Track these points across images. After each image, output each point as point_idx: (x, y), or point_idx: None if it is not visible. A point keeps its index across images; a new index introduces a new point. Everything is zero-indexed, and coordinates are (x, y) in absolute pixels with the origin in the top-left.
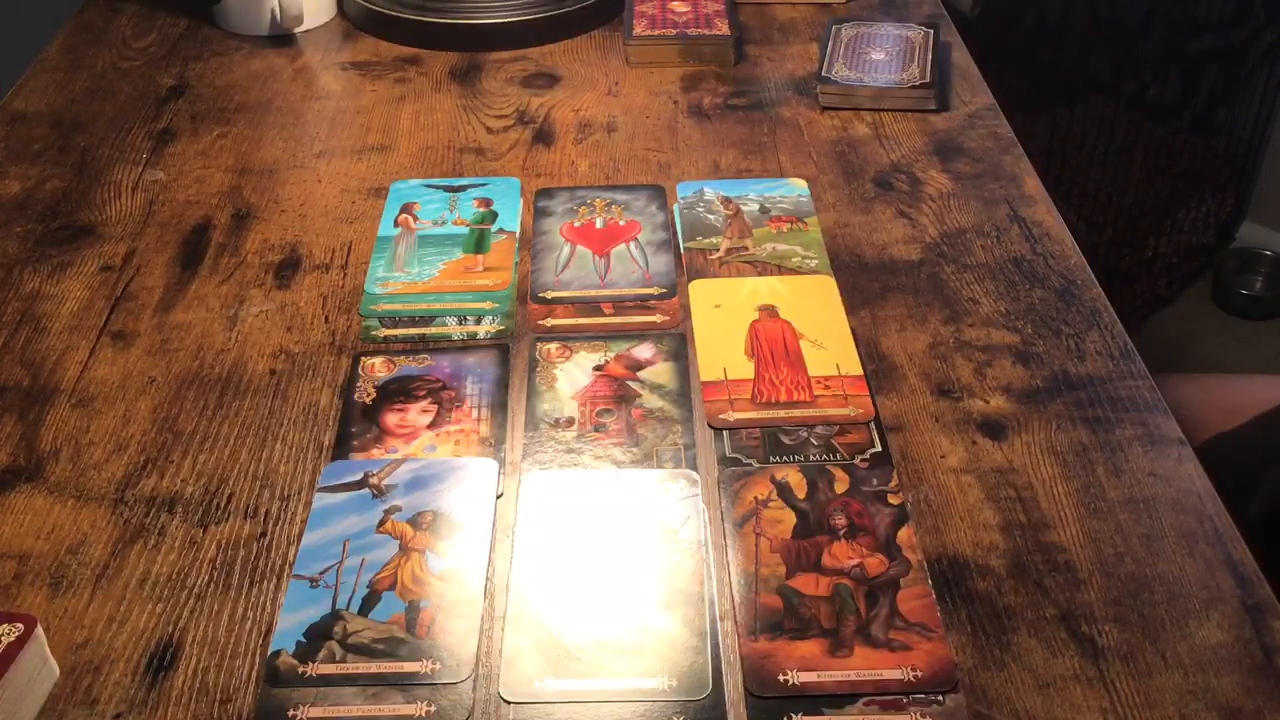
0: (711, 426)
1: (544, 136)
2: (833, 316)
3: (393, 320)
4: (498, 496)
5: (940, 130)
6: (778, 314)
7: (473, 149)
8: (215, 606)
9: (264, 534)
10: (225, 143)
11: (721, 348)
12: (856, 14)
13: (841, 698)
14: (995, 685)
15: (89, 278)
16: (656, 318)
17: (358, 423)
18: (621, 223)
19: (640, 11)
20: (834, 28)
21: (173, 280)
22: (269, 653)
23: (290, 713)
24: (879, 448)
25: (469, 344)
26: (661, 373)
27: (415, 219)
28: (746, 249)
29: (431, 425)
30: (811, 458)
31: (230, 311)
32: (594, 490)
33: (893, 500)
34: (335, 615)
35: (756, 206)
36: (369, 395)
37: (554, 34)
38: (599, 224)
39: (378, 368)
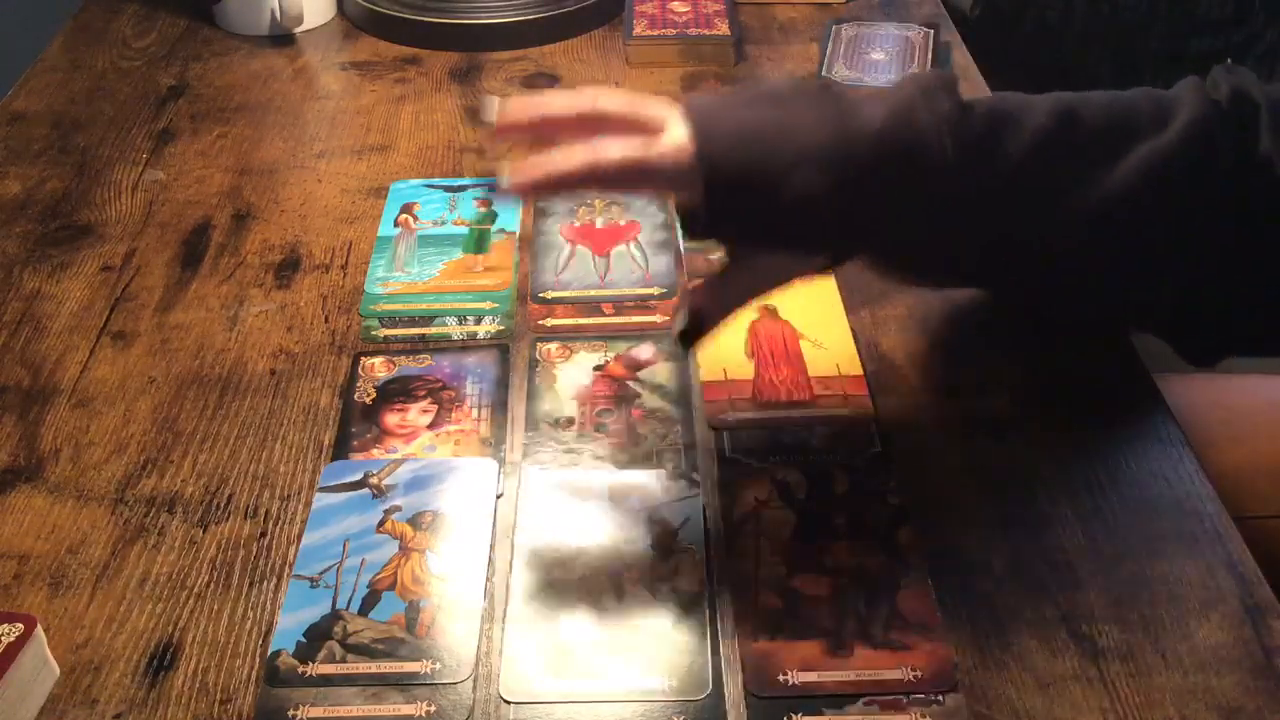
0: (711, 426)
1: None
2: (833, 316)
3: (393, 320)
4: (498, 496)
5: None
6: (778, 314)
7: (473, 149)
8: (215, 606)
9: (264, 534)
10: (225, 143)
11: (721, 348)
12: (856, 14)
13: (841, 698)
14: (995, 685)
15: (89, 278)
16: (656, 318)
17: (358, 423)
18: (621, 223)
19: (640, 11)
20: (834, 28)
21: (173, 280)
22: (269, 653)
23: (290, 713)
24: (879, 448)
25: (469, 344)
26: (661, 373)
27: (415, 219)
28: None
29: (431, 425)
30: (811, 458)
31: (230, 311)
32: (594, 490)
33: (893, 500)
34: (335, 615)
35: None
36: (369, 395)
37: (554, 34)
38: (599, 224)
39: (378, 368)
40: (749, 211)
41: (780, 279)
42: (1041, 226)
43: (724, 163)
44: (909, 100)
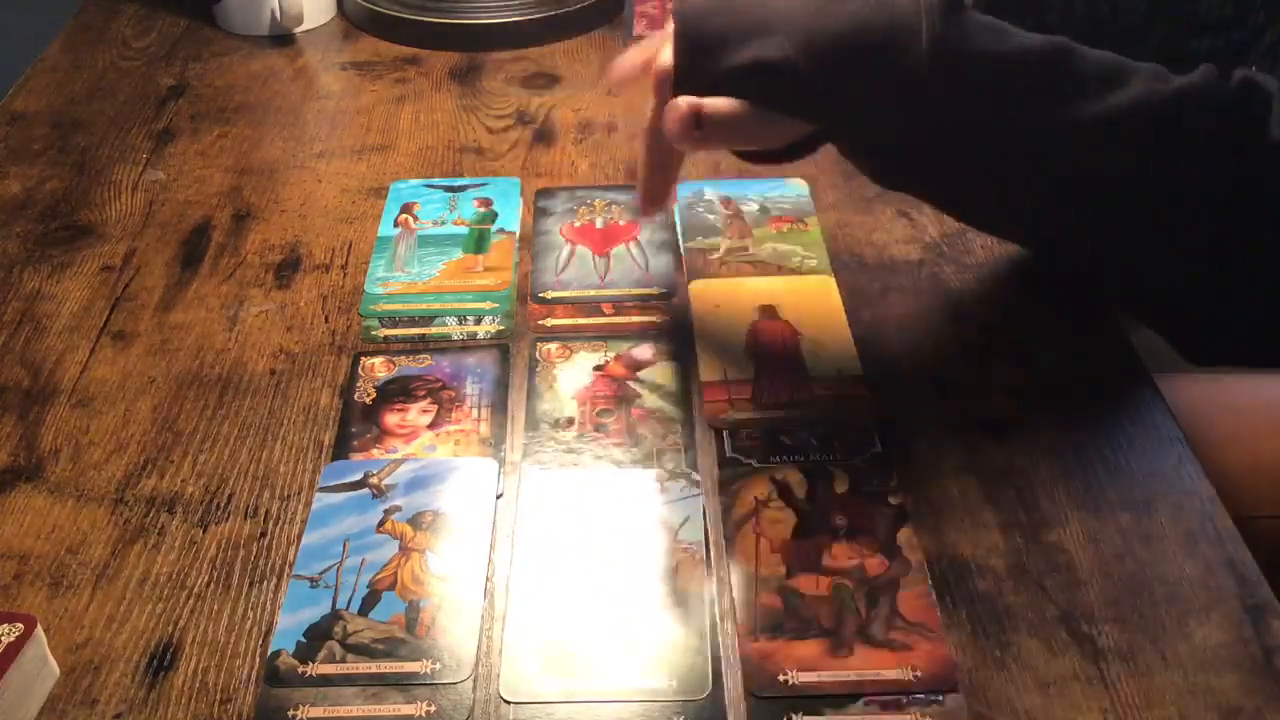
0: (711, 426)
1: (544, 136)
2: (833, 316)
3: (393, 320)
4: (498, 496)
5: None
6: (778, 314)
7: (473, 149)
8: (215, 606)
9: (264, 534)
10: (225, 143)
11: (722, 348)
12: None
13: (841, 698)
14: (995, 685)
15: (89, 278)
16: (656, 318)
17: (358, 423)
18: (621, 223)
19: (640, 11)
20: None
21: (173, 280)
22: (269, 653)
23: (290, 713)
24: (879, 448)
25: (469, 344)
26: (661, 373)
27: (415, 219)
28: (746, 249)
29: (431, 425)
30: (811, 458)
31: (230, 311)
32: (594, 490)
33: (893, 500)
34: (335, 615)
35: (756, 206)
36: (369, 395)
37: (554, 34)
38: (599, 224)
39: (378, 368)
40: (715, 70)
41: (749, 140)
42: (1013, 144)
43: (695, 18)
44: None
